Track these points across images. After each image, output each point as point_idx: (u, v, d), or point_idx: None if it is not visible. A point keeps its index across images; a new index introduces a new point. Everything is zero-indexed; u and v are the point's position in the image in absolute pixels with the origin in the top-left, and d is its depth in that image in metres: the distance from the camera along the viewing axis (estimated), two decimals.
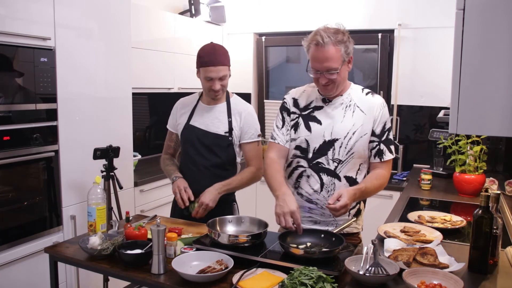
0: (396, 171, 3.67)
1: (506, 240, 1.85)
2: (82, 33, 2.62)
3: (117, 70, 2.88)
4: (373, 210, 2.58)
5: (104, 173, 2.52)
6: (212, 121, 2.18)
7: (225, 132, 2.16)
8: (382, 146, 1.88)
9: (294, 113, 1.95)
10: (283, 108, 1.99)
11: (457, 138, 2.87)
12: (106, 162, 2.52)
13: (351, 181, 1.88)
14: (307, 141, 1.89)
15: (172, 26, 3.64)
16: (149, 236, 1.75)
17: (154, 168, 3.44)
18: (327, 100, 1.90)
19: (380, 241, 1.70)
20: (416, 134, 3.79)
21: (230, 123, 2.17)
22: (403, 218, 2.19)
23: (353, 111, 1.86)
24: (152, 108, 4.00)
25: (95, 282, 2.70)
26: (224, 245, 1.65)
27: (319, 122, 1.88)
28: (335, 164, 1.86)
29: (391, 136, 1.91)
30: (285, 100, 2.01)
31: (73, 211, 2.61)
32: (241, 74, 4.39)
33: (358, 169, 1.90)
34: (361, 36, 3.79)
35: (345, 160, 1.85)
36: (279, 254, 1.62)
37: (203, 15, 4.07)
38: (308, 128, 1.89)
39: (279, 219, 1.71)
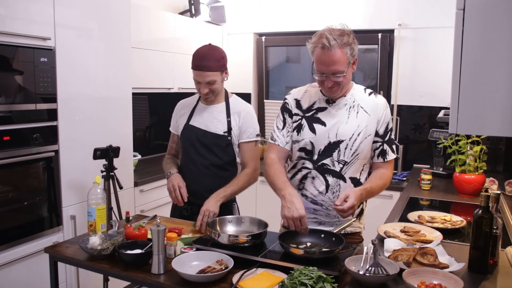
0: (396, 171, 3.67)
1: (506, 240, 1.85)
2: (82, 33, 2.62)
3: (117, 70, 2.88)
4: (373, 210, 2.57)
5: (104, 173, 2.52)
6: (211, 121, 2.19)
7: (224, 132, 2.16)
8: (385, 147, 1.89)
9: (296, 114, 1.94)
10: (285, 109, 1.98)
11: (457, 138, 2.87)
12: (106, 162, 2.52)
13: (355, 182, 1.88)
14: (312, 143, 1.88)
15: (172, 26, 3.64)
16: (149, 236, 1.75)
17: (154, 168, 3.44)
18: (330, 101, 1.89)
19: (380, 241, 1.70)
20: (416, 134, 3.79)
21: (229, 122, 2.17)
22: (403, 218, 2.19)
23: (357, 112, 1.86)
24: (152, 108, 4.00)
25: (95, 282, 2.70)
26: (224, 245, 1.65)
27: (323, 123, 1.87)
28: (341, 165, 1.85)
29: (393, 136, 1.92)
30: (286, 100, 1.99)
31: (73, 211, 2.61)
32: (241, 74, 4.39)
33: (362, 170, 1.90)
34: (361, 36, 3.75)
35: (350, 162, 1.85)
36: (279, 254, 1.62)
37: (203, 15, 4.07)
38: (313, 129, 1.88)
39: (288, 222, 1.70)
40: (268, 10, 4.21)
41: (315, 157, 1.88)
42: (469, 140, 2.80)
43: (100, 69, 2.76)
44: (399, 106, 3.78)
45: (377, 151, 1.90)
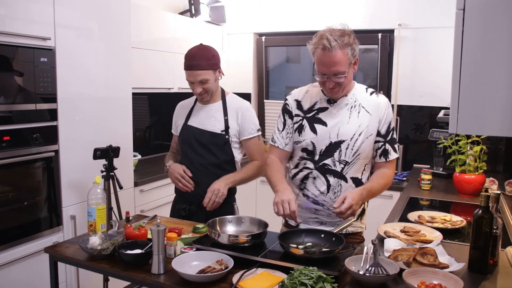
0: (396, 171, 3.66)
1: (506, 240, 1.85)
2: (82, 33, 2.62)
3: (117, 70, 2.88)
4: (373, 210, 2.57)
5: (104, 173, 2.52)
6: (209, 119, 2.19)
7: (222, 131, 2.16)
8: (388, 146, 1.89)
9: (297, 115, 1.94)
10: (285, 110, 1.98)
11: (457, 138, 2.87)
12: (106, 162, 2.52)
13: (357, 182, 1.88)
14: (313, 143, 1.88)
15: (172, 26, 3.64)
16: (149, 236, 1.75)
17: (154, 168, 3.44)
18: (331, 101, 1.89)
19: (380, 241, 1.70)
20: (416, 134, 3.79)
21: (226, 121, 2.17)
22: (403, 218, 2.19)
23: (359, 112, 1.86)
24: (152, 108, 4.00)
25: (95, 282, 2.70)
26: (224, 245, 1.65)
27: (324, 123, 1.87)
28: (342, 165, 1.85)
29: (395, 135, 1.92)
30: (287, 101, 1.99)
31: (73, 211, 2.61)
32: (241, 74, 4.39)
33: (363, 170, 1.90)
34: (361, 36, 3.74)
35: (351, 162, 1.85)
36: (279, 254, 1.62)
37: (203, 15, 4.07)
38: (314, 130, 1.88)
39: (277, 207, 1.74)
40: (268, 10, 4.22)
41: (317, 157, 1.88)
42: (469, 140, 2.80)
43: (100, 69, 2.76)
44: (399, 106, 3.78)
45: (379, 151, 1.90)
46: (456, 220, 2.11)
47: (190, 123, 2.23)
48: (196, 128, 2.20)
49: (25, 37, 2.26)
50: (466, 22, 1.15)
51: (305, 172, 1.91)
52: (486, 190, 2.56)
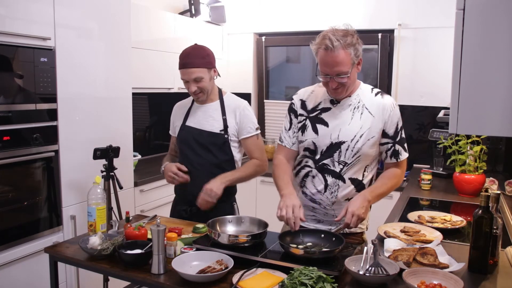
0: None
1: (506, 240, 1.85)
2: (82, 33, 2.62)
3: (117, 70, 2.88)
4: (373, 210, 2.56)
5: (104, 173, 2.52)
6: (207, 119, 2.19)
7: (220, 130, 2.16)
8: (398, 147, 1.88)
9: (301, 115, 1.94)
10: (291, 110, 1.99)
11: (457, 138, 2.87)
12: (106, 162, 2.52)
13: (356, 183, 1.88)
14: (314, 143, 1.89)
15: (172, 26, 3.64)
16: (149, 236, 1.75)
17: (154, 168, 3.44)
18: (335, 101, 1.88)
19: (380, 241, 1.70)
20: (416, 134, 3.78)
21: (224, 120, 2.17)
22: (403, 218, 2.19)
23: (361, 113, 1.85)
24: (152, 108, 4.00)
25: (95, 282, 2.70)
26: (224, 245, 1.65)
27: (326, 124, 1.87)
28: (341, 166, 1.86)
29: (404, 135, 1.91)
30: (293, 101, 1.99)
31: (73, 211, 2.61)
32: (241, 74, 4.39)
33: (364, 171, 1.89)
34: (361, 36, 3.72)
35: (351, 163, 1.85)
36: (279, 254, 1.62)
37: (203, 15, 4.07)
38: (315, 130, 1.88)
39: (280, 211, 1.74)
40: (268, 10, 4.22)
41: (317, 156, 1.89)
42: (469, 140, 2.80)
43: (100, 69, 2.76)
44: (400, 106, 3.77)
45: (389, 152, 1.89)
46: (456, 220, 2.11)
47: (188, 123, 2.23)
48: (194, 128, 2.20)
49: (25, 37, 2.26)
50: (466, 22, 1.15)
51: (306, 170, 1.92)
52: (486, 190, 2.56)
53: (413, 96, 3.69)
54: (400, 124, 1.89)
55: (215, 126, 2.17)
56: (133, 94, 3.05)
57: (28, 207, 2.39)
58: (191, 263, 1.59)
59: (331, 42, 1.69)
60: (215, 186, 2.08)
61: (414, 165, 3.75)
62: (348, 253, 1.61)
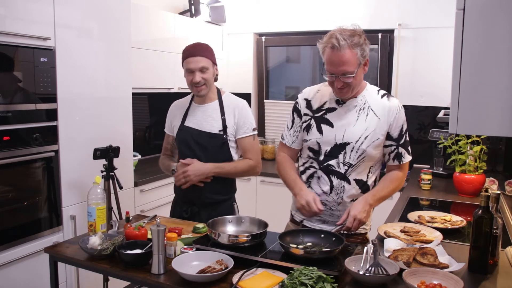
0: None
1: (506, 240, 1.85)
2: (82, 33, 2.62)
3: (117, 70, 2.88)
4: (374, 210, 2.57)
5: (104, 173, 2.52)
6: (206, 119, 2.19)
7: (219, 130, 2.16)
8: (401, 149, 1.88)
9: (306, 114, 1.94)
10: (295, 109, 1.99)
11: (457, 138, 2.87)
12: (106, 162, 2.52)
13: (361, 184, 1.89)
14: (318, 143, 1.89)
15: (172, 26, 3.64)
16: (149, 236, 1.75)
17: (154, 168, 3.44)
18: (340, 102, 1.88)
19: (380, 241, 1.70)
20: (416, 134, 3.78)
21: (223, 120, 2.17)
22: (403, 218, 2.19)
23: (367, 115, 1.84)
24: (152, 108, 4.00)
25: (95, 282, 2.70)
26: (224, 245, 1.65)
27: (331, 124, 1.87)
28: (346, 167, 1.86)
29: (408, 138, 1.91)
30: (297, 100, 1.99)
31: (73, 211, 2.61)
32: (241, 74, 4.39)
33: (369, 172, 1.90)
34: None
35: (355, 164, 1.85)
36: (279, 254, 1.62)
37: (203, 15, 4.07)
38: (320, 130, 1.88)
39: (303, 209, 1.81)
40: (268, 10, 4.21)
41: (321, 157, 1.89)
42: (469, 140, 2.80)
43: (100, 69, 2.76)
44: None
45: (392, 154, 1.89)
46: (456, 220, 2.11)
47: (187, 123, 2.22)
48: (193, 128, 2.19)
49: (25, 37, 2.26)
50: (466, 22, 1.15)
51: (311, 171, 1.93)
52: (486, 190, 2.56)
53: (413, 96, 3.69)
54: (405, 127, 1.89)
55: (214, 126, 2.17)
56: (133, 94, 3.05)
57: (28, 207, 2.39)
58: (191, 263, 1.59)
59: (338, 41, 1.69)
60: (194, 169, 2.09)
61: (414, 165, 3.75)
62: (348, 253, 1.61)
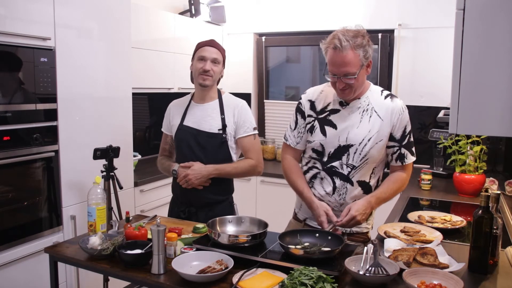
0: None
1: (506, 240, 1.85)
2: (82, 33, 2.62)
3: (117, 70, 2.88)
4: (375, 210, 2.58)
5: (104, 173, 2.51)
6: (205, 118, 2.18)
7: (219, 130, 2.16)
8: (404, 150, 1.88)
9: (310, 116, 1.93)
10: (298, 110, 1.98)
11: (457, 138, 2.87)
12: (106, 162, 2.51)
13: (364, 185, 1.89)
14: (322, 145, 1.88)
15: (172, 26, 3.64)
16: (149, 236, 1.75)
17: (154, 168, 3.42)
18: (344, 103, 1.87)
19: (380, 241, 1.70)
20: (416, 134, 3.78)
21: (223, 120, 2.17)
22: (403, 218, 2.19)
23: (370, 116, 1.83)
24: (152, 108, 4.00)
25: (95, 282, 2.70)
26: (224, 245, 1.65)
27: (334, 126, 1.86)
28: (349, 169, 1.86)
29: (412, 138, 1.90)
30: (301, 101, 1.98)
31: (73, 211, 2.61)
32: (241, 74, 4.39)
33: (372, 173, 1.89)
34: None
35: (359, 166, 1.85)
36: (279, 254, 1.62)
37: (203, 15, 4.07)
38: (324, 132, 1.88)
39: (323, 226, 1.81)
40: (268, 10, 4.21)
41: (325, 159, 1.89)
42: (469, 140, 2.80)
43: (100, 69, 2.76)
44: None
45: (394, 155, 1.89)
46: (456, 220, 2.11)
47: (186, 123, 2.22)
48: (193, 128, 2.19)
49: (25, 37, 2.26)
50: (466, 22, 1.15)
51: (314, 171, 1.93)
52: (486, 190, 2.56)
53: (413, 96, 3.69)
54: (409, 128, 1.87)
55: (214, 126, 2.17)
56: (133, 94, 3.05)
57: (28, 207, 2.39)
58: (191, 263, 1.59)
59: (340, 42, 1.68)
60: (195, 173, 2.09)
61: (414, 165, 3.71)
62: (349, 250, 1.61)
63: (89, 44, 2.67)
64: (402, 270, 1.44)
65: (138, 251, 1.65)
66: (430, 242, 1.74)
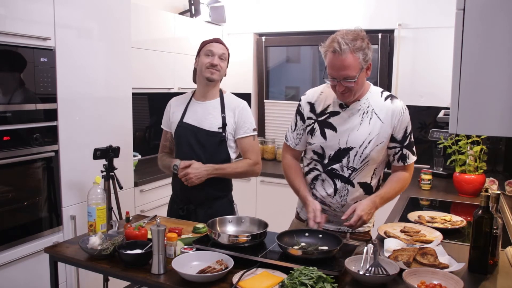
0: None
1: (506, 240, 1.85)
2: (82, 33, 2.62)
3: (117, 70, 2.88)
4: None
5: (104, 173, 2.51)
6: (206, 116, 2.19)
7: (219, 128, 2.16)
8: (405, 151, 1.88)
9: (310, 118, 1.93)
10: (298, 112, 1.98)
11: (457, 138, 2.87)
12: (106, 162, 2.51)
13: (365, 186, 1.89)
14: (322, 147, 1.89)
15: (172, 26, 3.64)
16: (149, 236, 1.75)
17: (154, 168, 3.44)
18: (344, 106, 1.87)
19: (380, 241, 1.70)
20: (416, 134, 3.78)
21: (223, 118, 2.17)
22: (403, 218, 2.19)
23: (370, 118, 1.83)
24: (152, 108, 4.00)
25: (95, 282, 2.70)
26: (224, 245, 1.65)
27: (334, 129, 1.86)
28: (350, 171, 1.86)
29: (412, 139, 1.90)
30: (300, 103, 1.98)
31: (73, 211, 2.61)
32: (241, 74, 4.39)
33: (373, 174, 1.90)
34: None
35: (359, 168, 1.85)
36: (279, 254, 1.62)
37: (203, 15, 4.07)
38: (324, 135, 1.88)
39: (310, 223, 1.81)
40: (268, 10, 4.21)
41: (326, 161, 1.89)
42: (469, 140, 2.80)
43: (100, 69, 2.76)
44: None
45: (396, 156, 1.89)
46: (456, 220, 2.11)
47: (186, 120, 2.22)
48: (193, 125, 2.19)
49: (25, 37, 2.26)
50: (466, 22, 1.15)
51: (315, 173, 1.93)
52: (486, 190, 2.56)
53: (413, 96, 3.69)
54: (409, 129, 1.87)
55: (214, 124, 2.17)
56: (133, 94, 3.05)
57: (28, 207, 2.39)
58: (191, 263, 1.59)
59: (339, 46, 1.67)
60: (195, 171, 2.09)
61: (414, 165, 3.74)
62: (351, 248, 1.62)
63: (89, 44, 2.67)
64: (402, 270, 1.44)
65: (138, 251, 1.65)
66: (430, 242, 1.74)
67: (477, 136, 2.75)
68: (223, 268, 1.50)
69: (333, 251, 1.57)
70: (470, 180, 2.74)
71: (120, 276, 1.62)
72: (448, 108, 2.97)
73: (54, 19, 2.41)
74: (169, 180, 2.31)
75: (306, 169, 1.98)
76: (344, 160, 1.85)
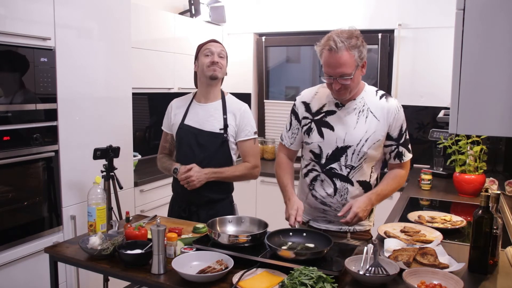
0: None
1: (506, 240, 1.85)
2: (82, 33, 2.62)
3: (117, 70, 2.88)
4: (375, 208, 2.58)
5: (104, 173, 2.51)
6: (207, 118, 2.19)
7: (220, 129, 2.16)
8: (401, 149, 1.90)
9: (306, 118, 1.94)
10: (293, 111, 2.00)
11: (457, 138, 2.87)
12: (106, 162, 2.51)
13: (364, 184, 1.90)
14: (320, 147, 1.90)
15: (172, 26, 3.64)
16: (149, 236, 1.75)
17: (154, 168, 3.42)
18: (340, 105, 1.88)
19: (380, 241, 1.70)
20: (416, 134, 3.78)
21: (225, 120, 2.17)
22: (403, 218, 2.19)
23: (366, 117, 1.85)
24: (152, 108, 4.00)
25: (95, 282, 2.70)
26: (224, 245, 1.65)
27: (331, 128, 1.87)
28: (348, 170, 1.87)
29: (408, 136, 1.92)
30: (295, 103, 1.99)
31: (73, 211, 2.61)
32: (241, 74, 4.39)
33: (371, 172, 1.91)
34: None
35: (357, 166, 1.86)
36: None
37: (203, 15, 4.07)
38: (321, 134, 1.89)
39: (290, 219, 1.81)
40: (268, 10, 4.21)
41: (323, 161, 1.90)
42: (469, 140, 2.80)
43: (100, 69, 2.76)
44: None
45: (392, 154, 1.91)
46: (456, 220, 2.11)
47: (187, 122, 2.22)
48: (194, 127, 2.19)
49: (25, 37, 2.26)
50: (466, 22, 1.15)
51: (314, 174, 1.94)
52: (486, 190, 2.56)
53: (413, 96, 3.69)
54: (405, 126, 1.90)
55: (216, 126, 2.17)
56: (133, 94, 3.05)
57: (28, 207, 2.39)
58: (191, 263, 1.59)
59: (335, 43, 1.69)
60: (197, 175, 2.09)
61: (414, 165, 3.75)
62: (351, 248, 1.62)
63: (89, 44, 2.67)
64: (402, 270, 1.44)
65: (138, 251, 1.65)
66: (430, 242, 1.74)
67: (477, 136, 2.75)
68: (223, 268, 1.50)
69: (323, 251, 1.57)
70: (470, 180, 2.74)
71: (120, 276, 1.62)
72: (448, 108, 2.97)
73: (54, 19, 2.41)
74: (169, 180, 2.31)
75: (305, 170, 1.99)
76: (342, 159, 1.86)
